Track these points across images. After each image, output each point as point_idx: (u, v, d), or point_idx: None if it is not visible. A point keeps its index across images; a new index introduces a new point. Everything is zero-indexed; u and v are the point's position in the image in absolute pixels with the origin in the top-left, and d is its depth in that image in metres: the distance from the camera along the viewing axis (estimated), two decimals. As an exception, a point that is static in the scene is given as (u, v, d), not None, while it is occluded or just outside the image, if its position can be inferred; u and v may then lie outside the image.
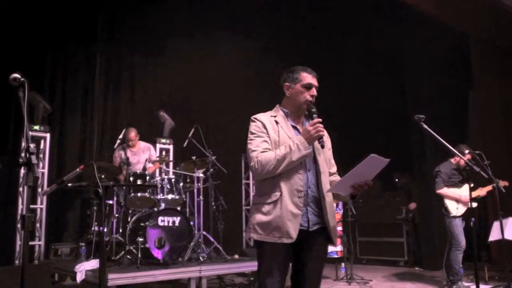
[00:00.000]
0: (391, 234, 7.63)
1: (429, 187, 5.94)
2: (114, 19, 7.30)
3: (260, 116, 2.49)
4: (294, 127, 2.48)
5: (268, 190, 2.35)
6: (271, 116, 2.50)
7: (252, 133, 2.43)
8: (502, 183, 5.00)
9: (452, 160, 5.44)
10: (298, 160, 2.29)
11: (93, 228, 5.40)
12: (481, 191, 5.27)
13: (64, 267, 5.28)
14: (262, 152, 2.33)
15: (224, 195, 6.77)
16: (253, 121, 2.47)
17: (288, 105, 2.52)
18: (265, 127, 2.43)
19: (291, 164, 2.29)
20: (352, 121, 8.94)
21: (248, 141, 2.43)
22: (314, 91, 2.46)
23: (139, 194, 5.27)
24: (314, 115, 2.38)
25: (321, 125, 2.31)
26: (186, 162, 5.97)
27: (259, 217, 2.35)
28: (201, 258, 5.15)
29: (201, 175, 5.81)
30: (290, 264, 2.45)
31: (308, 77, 2.47)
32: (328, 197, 2.40)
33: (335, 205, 6.34)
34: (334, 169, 2.63)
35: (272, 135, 2.41)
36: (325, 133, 2.38)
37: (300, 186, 2.32)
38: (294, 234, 2.27)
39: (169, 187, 5.40)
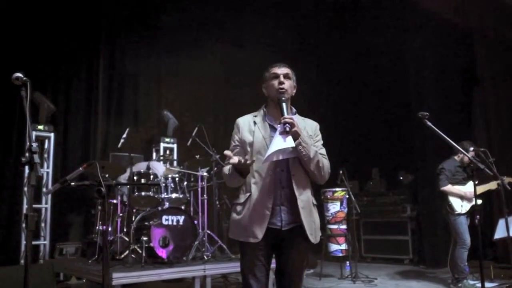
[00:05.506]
0: (396, 232, 7.59)
1: (433, 184, 5.90)
2: (117, 18, 7.30)
3: (241, 118, 2.58)
4: (272, 126, 2.45)
5: (242, 190, 2.47)
6: (254, 116, 2.55)
7: (232, 139, 2.57)
8: (507, 180, 4.97)
9: (456, 157, 5.41)
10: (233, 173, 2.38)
11: (97, 228, 5.41)
12: (489, 185, 5.21)
13: (69, 267, 5.30)
14: (226, 164, 2.47)
15: (228, 194, 6.76)
16: (235, 124, 2.57)
17: (270, 103, 2.55)
18: (239, 129, 2.52)
19: (233, 176, 2.39)
20: (354, 120, 8.90)
21: None
22: (281, 78, 2.48)
23: (143, 193, 5.27)
24: (284, 104, 2.37)
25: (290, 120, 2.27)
26: (190, 161, 5.97)
27: (233, 216, 2.47)
28: (205, 257, 5.14)
29: (205, 173, 5.80)
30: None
31: (273, 69, 2.54)
32: (303, 196, 2.38)
33: (338, 204, 6.33)
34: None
35: (246, 136, 2.47)
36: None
37: (271, 186, 2.34)
38: (260, 234, 2.31)
39: (173, 186, 5.40)
